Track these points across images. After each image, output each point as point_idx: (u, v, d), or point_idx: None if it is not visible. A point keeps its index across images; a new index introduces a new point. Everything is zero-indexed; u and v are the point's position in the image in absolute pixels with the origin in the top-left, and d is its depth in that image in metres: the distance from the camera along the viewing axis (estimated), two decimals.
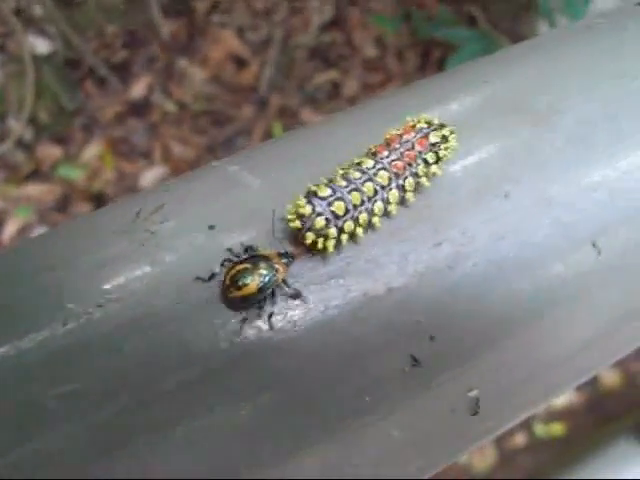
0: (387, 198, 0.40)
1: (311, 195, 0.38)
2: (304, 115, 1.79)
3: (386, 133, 0.42)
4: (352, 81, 1.85)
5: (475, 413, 0.38)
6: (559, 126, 0.42)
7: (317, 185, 0.39)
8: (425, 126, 0.42)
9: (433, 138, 0.42)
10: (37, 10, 1.68)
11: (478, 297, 0.38)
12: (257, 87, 1.80)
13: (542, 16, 1.72)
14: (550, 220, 0.39)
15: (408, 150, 0.42)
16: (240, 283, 0.36)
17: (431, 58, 1.86)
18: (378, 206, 0.40)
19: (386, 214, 0.40)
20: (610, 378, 1.64)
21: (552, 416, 1.64)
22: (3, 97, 1.64)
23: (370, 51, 1.89)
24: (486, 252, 0.38)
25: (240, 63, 1.83)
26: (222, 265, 0.37)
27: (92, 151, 1.68)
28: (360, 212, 0.39)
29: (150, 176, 1.67)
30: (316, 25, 1.89)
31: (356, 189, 0.39)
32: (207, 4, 1.86)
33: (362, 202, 0.39)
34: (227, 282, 0.36)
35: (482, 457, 1.57)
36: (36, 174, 1.64)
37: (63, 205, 1.62)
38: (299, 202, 0.38)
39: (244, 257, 0.37)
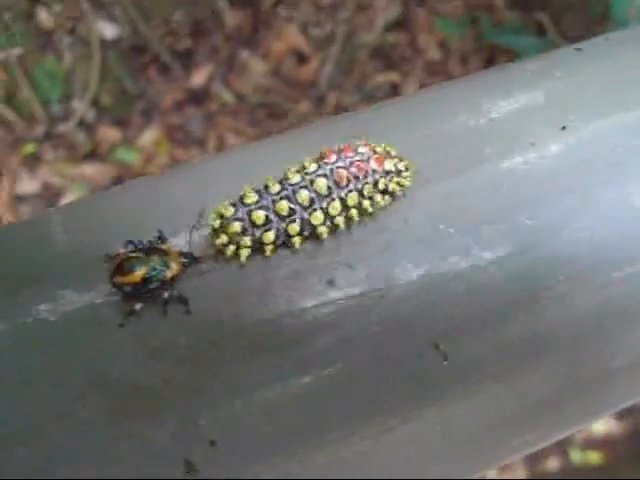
0: (326, 209, 0.38)
1: (238, 199, 0.37)
2: None
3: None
4: (412, 83, 1.82)
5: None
6: None
7: (248, 190, 0.37)
8: (384, 152, 0.40)
9: (388, 165, 0.39)
10: None
11: None
12: (316, 83, 1.80)
13: (617, 27, 1.66)
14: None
15: (360, 162, 0.39)
16: (126, 270, 0.36)
17: (495, 65, 1.81)
18: (315, 216, 0.37)
19: (332, 226, 0.38)
20: None
21: (590, 443, 1.59)
22: (69, 79, 1.69)
23: (433, 54, 1.86)
24: None
25: (301, 58, 1.83)
26: (124, 246, 0.37)
27: (149, 136, 1.72)
28: (290, 222, 0.37)
29: None
30: (381, 25, 1.87)
31: (286, 197, 0.37)
32: None
33: (291, 212, 0.37)
34: (114, 267, 0.36)
35: (512, 476, 1.53)
36: (94, 154, 1.68)
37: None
38: (224, 203, 0.37)
39: (142, 247, 0.38)
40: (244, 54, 1.82)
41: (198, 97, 1.78)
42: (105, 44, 1.71)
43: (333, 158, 0.38)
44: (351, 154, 0.38)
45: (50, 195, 1.65)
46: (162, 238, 0.38)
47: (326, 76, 1.80)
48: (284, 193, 0.37)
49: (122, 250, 0.37)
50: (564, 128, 0.41)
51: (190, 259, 0.37)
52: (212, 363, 0.34)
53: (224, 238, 0.37)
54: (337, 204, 0.38)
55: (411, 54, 1.86)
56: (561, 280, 0.36)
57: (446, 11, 1.90)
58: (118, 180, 1.67)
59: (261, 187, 0.38)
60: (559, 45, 1.64)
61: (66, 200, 1.63)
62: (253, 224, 0.37)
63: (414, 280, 0.36)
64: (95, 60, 1.65)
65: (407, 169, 0.39)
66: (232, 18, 1.83)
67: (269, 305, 0.35)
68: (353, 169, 0.38)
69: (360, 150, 0.39)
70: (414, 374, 0.35)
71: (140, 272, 0.36)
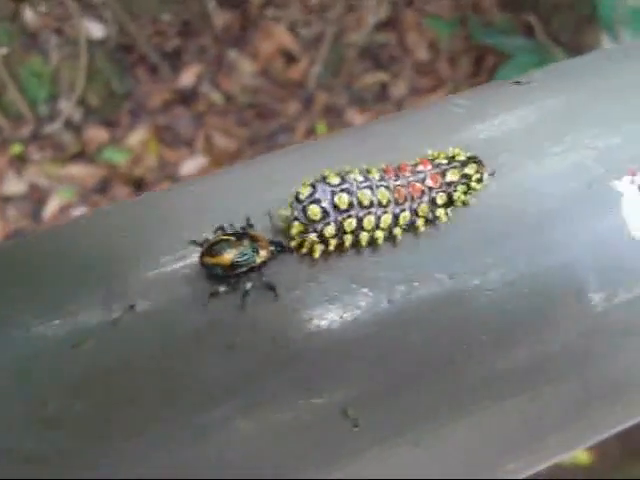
0: (379, 218, 0.37)
1: (317, 181, 0.37)
2: (349, 115, 1.77)
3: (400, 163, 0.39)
4: (401, 84, 1.82)
5: None
6: None
7: (330, 172, 0.37)
8: (444, 162, 0.39)
9: (451, 176, 0.38)
10: None
11: None
12: (304, 84, 1.80)
13: (604, 28, 1.66)
14: None
15: (417, 182, 0.38)
16: (215, 251, 0.36)
17: (484, 65, 1.82)
18: (385, 219, 0.37)
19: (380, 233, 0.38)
20: None
21: None
22: (56, 79, 1.68)
23: (422, 54, 1.86)
24: None
25: (290, 58, 1.82)
26: (214, 232, 0.37)
27: (137, 136, 1.71)
28: (366, 214, 0.37)
29: (191, 165, 1.69)
30: (370, 25, 1.87)
31: (370, 187, 0.37)
32: None
33: (371, 204, 0.37)
34: (205, 247, 0.36)
35: None
36: (81, 155, 1.67)
37: (104, 187, 1.65)
38: (303, 183, 0.37)
39: (234, 231, 0.37)
40: (233, 54, 1.81)
41: (186, 97, 1.77)
42: (92, 44, 1.70)
43: (392, 175, 0.38)
44: (407, 173, 0.38)
45: (37, 196, 1.64)
46: (250, 225, 0.38)
47: (315, 76, 1.80)
48: (367, 183, 0.37)
49: (211, 236, 0.37)
50: (493, 174, 0.39)
51: (280, 247, 0.37)
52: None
53: (299, 226, 0.36)
54: (389, 218, 0.37)
55: (400, 54, 1.86)
56: (484, 340, 0.36)
57: (435, 11, 1.90)
58: (106, 181, 1.66)
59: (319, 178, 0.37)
60: (548, 46, 1.64)
61: (53, 201, 1.62)
62: (337, 208, 0.36)
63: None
64: (82, 60, 1.64)
65: (478, 171, 0.39)
66: (220, 18, 1.82)
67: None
68: (409, 189, 0.38)
69: (418, 168, 0.39)
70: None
71: (230, 255, 0.36)
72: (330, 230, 0.36)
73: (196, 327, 0.34)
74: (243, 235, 0.37)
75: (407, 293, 0.36)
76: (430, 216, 0.38)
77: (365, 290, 0.36)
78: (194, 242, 0.37)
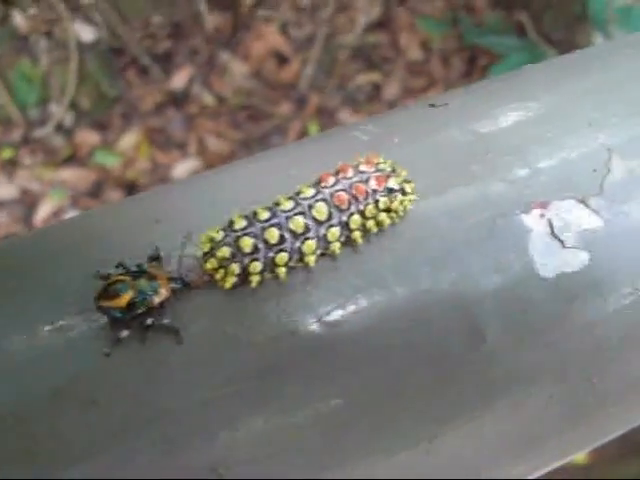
0: (325, 235, 0.36)
1: (227, 224, 0.35)
2: (342, 116, 1.77)
3: (341, 163, 0.37)
4: (394, 84, 1.82)
5: None
6: None
7: (238, 215, 0.36)
8: (388, 168, 0.38)
9: (392, 183, 0.37)
10: None
11: None
12: (297, 85, 1.79)
13: (596, 27, 1.66)
14: None
15: (360, 183, 0.37)
16: (111, 293, 0.34)
17: (477, 65, 1.81)
18: (308, 244, 0.35)
19: (328, 252, 0.36)
20: None
21: None
22: (46, 82, 1.67)
23: (415, 54, 1.86)
24: None
25: (281, 59, 1.82)
26: (116, 267, 0.35)
27: (129, 139, 1.70)
28: (279, 251, 0.35)
29: (183, 168, 1.68)
30: (362, 25, 1.86)
31: (277, 224, 0.35)
32: None
33: (282, 240, 0.35)
34: (100, 290, 0.34)
35: None
36: (73, 159, 1.67)
37: (96, 191, 1.64)
38: (215, 227, 0.35)
39: (130, 270, 0.35)
40: (224, 56, 1.80)
41: (178, 99, 1.76)
42: (83, 47, 1.69)
43: (331, 181, 0.37)
44: (350, 174, 0.37)
45: (29, 200, 1.63)
46: (157, 257, 0.35)
47: (307, 77, 1.79)
48: (274, 220, 0.35)
49: (112, 272, 0.35)
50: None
51: (181, 284, 0.35)
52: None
53: (213, 263, 0.35)
54: (336, 230, 0.36)
55: (392, 54, 1.86)
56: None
57: (427, 11, 1.90)
58: (98, 184, 1.65)
59: (251, 216, 0.36)
60: (539, 45, 1.64)
61: (45, 205, 1.61)
62: (241, 251, 0.35)
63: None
64: (72, 63, 1.63)
65: (412, 189, 0.37)
66: (212, 19, 1.81)
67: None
68: (353, 191, 0.37)
69: (361, 168, 0.37)
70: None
71: (127, 296, 0.34)
72: (256, 267, 0.35)
73: (56, 382, 0.32)
74: (140, 273, 0.35)
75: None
76: (374, 217, 0.37)
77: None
78: (97, 275, 0.35)
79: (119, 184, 1.65)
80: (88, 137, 1.69)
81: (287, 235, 0.35)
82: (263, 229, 0.35)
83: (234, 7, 1.84)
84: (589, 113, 0.40)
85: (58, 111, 1.66)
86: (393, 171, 0.38)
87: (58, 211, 1.61)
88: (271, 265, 0.35)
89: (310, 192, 0.36)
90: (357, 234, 0.36)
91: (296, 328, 0.34)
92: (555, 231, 0.36)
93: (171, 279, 0.35)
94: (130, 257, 0.35)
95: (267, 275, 0.35)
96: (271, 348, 0.33)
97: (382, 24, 1.88)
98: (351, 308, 0.34)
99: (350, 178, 0.37)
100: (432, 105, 0.41)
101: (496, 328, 0.35)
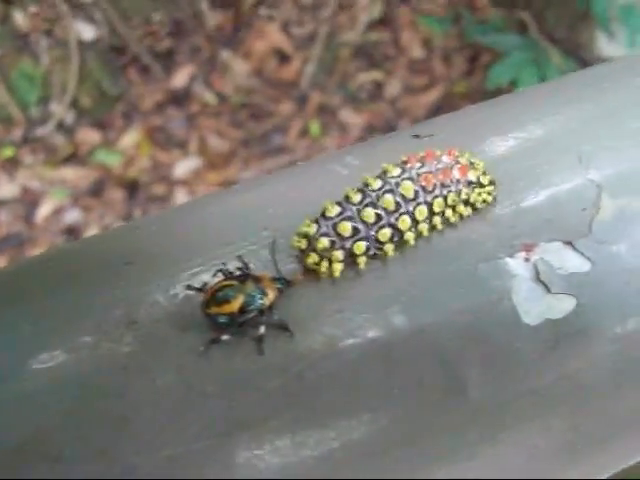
0: (413, 213, 0.36)
1: (320, 215, 0.36)
2: (343, 114, 1.76)
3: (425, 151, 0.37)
4: (395, 82, 1.81)
5: None
6: None
7: (328, 203, 0.36)
8: (467, 162, 0.38)
9: (472, 175, 0.37)
10: None
11: None
12: (298, 83, 1.79)
13: (599, 25, 1.65)
14: None
15: (445, 168, 0.37)
16: (221, 299, 0.34)
17: (479, 63, 1.81)
18: (403, 220, 0.35)
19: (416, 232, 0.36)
20: None
21: None
22: (47, 81, 1.67)
23: (417, 52, 1.85)
24: None
25: (283, 58, 1.81)
26: (214, 275, 0.35)
27: (130, 138, 1.70)
28: (379, 228, 0.35)
29: (184, 167, 1.68)
30: (363, 23, 1.86)
31: (372, 203, 0.36)
32: None
33: (378, 218, 0.35)
34: (208, 296, 0.34)
35: None
36: (74, 158, 1.66)
37: (97, 190, 1.64)
38: (306, 221, 0.36)
39: (234, 274, 0.35)
40: (225, 54, 1.80)
41: (179, 98, 1.76)
42: (83, 45, 1.68)
43: (417, 164, 0.37)
44: (435, 161, 0.37)
45: (29, 199, 1.63)
46: (246, 265, 0.35)
47: (308, 76, 1.79)
48: (367, 200, 0.36)
49: (209, 280, 0.35)
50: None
51: (284, 284, 0.35)
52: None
53: (315, 257, 0.35)
54: (424, 208, 0.36)
55: (394, 52, 1.85)
56: None
57: (429, 9, 1.89)
58: (99, 183, 1.65)
59: (341, 199, 0.36)
60: (542, 43, 1.63)
61: (46, 204, 1.61)
62: (340, 236, 0.35)
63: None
64: (73, 62, 1.63)
65: (491, 183, 0.37)
66: (213, 18, 1.81)
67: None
68: (440, 175, 0.37)
69: (443, 159, 0.37)
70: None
71: (237, 301, 0.34)
72: (361, 247, 0.35)
73: (20, 437, 0.30)
74: (245, 277, 0.35)
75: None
76: (451, 213, 0.37)
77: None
78: (190, 287, 0.34)
79: (120, 183, 1.65)
80: (89, 136, 1.69)
81: (382, 213, 0.36)
82: (358, 211, 0.36)
83: (235, 5, 1.83)
84: (580, 146, 0.38)
85: (59, 110, 1.66)
86: (472, 164, 0.38)
87: (59, 210, 1.61)
88: (375, 244, 0.35)
89: (396, 171, 0.37)
90: (437, 219, 0.36)
91: None
92: (540, 276, 0.35)
93: (274, 279, 0.35)
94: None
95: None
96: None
97: (383, 22, 1.87)
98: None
99: (437, 163, 0.37)
100: (416, 136, 0.40)
101: (477, 376, 0.33)
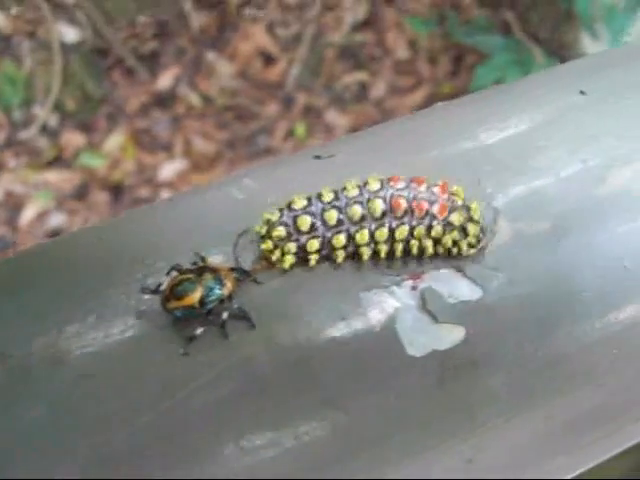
0: (374, 232, 0.35)
1: (286, 205, 0.36)
2: (329, 116, 1.76)
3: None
4: (381, 83, 1.81)
5: None
6: None
7: (297, 196, 0.36)
8: (459, 202, 0.36)
9: (454, 218, 0.35)
10: None
11: None
12: (283, 84, 1.78)
13: (583, 25, 1.65)
14: None
15: (424, 200, 0.35)
16: (181, 293, 0.34)
17: (464, 64, 1.81)
18: (362, 234, 0.35)
19: (375, 250, 0.35)
20: None
21: None
22: (30, 83, 1.66)
23: (402, 53, 1.85)
24: None
25: (268, 59, 1.81)
26: (167, 274, 0.35)
27: (115, 141, 1.69)
28: (336, 233, 0.35)
29: (169, 169, 1.67)
30: (349, 24, 1.85)
31: (339, 208, 0.35)
32: None
33: (339, 223, 0.35)
34: (167, 292, 0.34)
35: None
36: (58, 161, 1.65)
37: (81, 193, 1.63)
38: (272, 209, 0.36)
39: (190, 267, 0.35)
40: (210, 56, 1.79)
41: (164, 100, 1.75)
42: (67, 48, 1.67)
43: (399, 185, 0.36)
44: (420, 189, 0.36)
45: (13, 203, 1.61)
46: (202, 258, 0.36)
47: (294, 77, 1.78)
48: (336, 203, 0.35)
49: (163, 279, 0.35)
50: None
51: (241, 273, 0.35)
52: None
53: (269, 244, 0.35)
54: (385, 231, 0.35)
55: (379, 53, 1.85)
56: None
57: (414, 10, 1.89)
58: (84, 186, 1.64)
59: (314, 196, 0.36)
60: (526, 44, 1.63)
61: (30, 208, 1.60)
62: (298, 230, 0.35)
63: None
64: (56, 64, 1.62)
65: (477, 238, 0.35)
66: (197, 19, 1.80)
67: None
68: (413, 203, 0.35)
69: (433, 190, 0.36)
70: None
71: (196, 293, 0.34)
72: (314, 244, 0.35)
73: None
74: (201, 269, 0.35)
75: None
76: (416, 242, 0.36)
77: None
78: (145, 289, 0.34)
79: (105, 186, 1.64)
80: (73, 139, 1.68)
81: (345, 220, 0.35)
82: (323, 210, 0.35)
83: (220, 6, 1.83)
84: (481, 166, 0.37)
85: (42, 113, 1.65)
86: (466, 209, 0.36)
87: (43, 213, 1.60)
88: (328, 247, 0.35)
89: (376, 186, 0.36)
90: (399, 247, 0.35)
91: None
92: (427, 305, 0.33)
93: (232, 270, 0.35)
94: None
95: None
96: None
97: (369, 23, 1.87)
98: None
99: (419, 192, 0.36)
100: (317, 157, 0.39)
101: (357, 409, 0.32)
